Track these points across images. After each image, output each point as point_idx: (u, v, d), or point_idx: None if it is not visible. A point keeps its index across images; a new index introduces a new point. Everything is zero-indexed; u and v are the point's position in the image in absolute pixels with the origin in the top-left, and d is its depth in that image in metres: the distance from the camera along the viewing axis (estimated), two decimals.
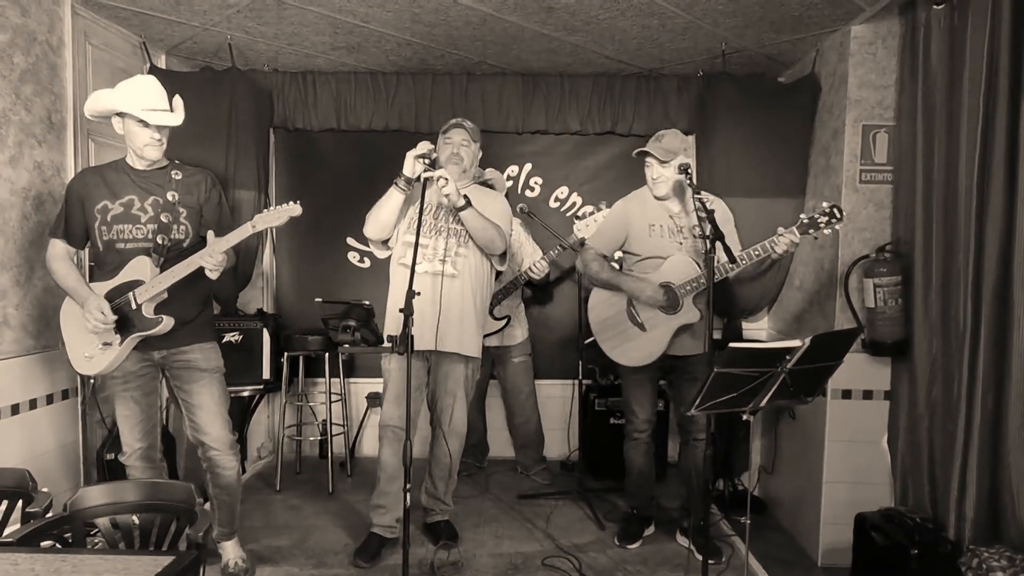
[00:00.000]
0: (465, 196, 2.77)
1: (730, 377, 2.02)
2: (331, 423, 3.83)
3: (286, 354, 3.78)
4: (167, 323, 2.50)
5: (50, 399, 2.99)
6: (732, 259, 2.54)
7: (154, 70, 3.64)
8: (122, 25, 3.40)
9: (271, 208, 2.50)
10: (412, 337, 2.20)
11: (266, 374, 3.78)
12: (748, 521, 2.36)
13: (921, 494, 2.93)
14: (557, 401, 4.25)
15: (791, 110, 3.62)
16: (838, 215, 2.61)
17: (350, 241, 4.32)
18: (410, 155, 2.72)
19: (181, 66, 3.91)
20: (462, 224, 2.84)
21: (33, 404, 2.90)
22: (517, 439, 4.06)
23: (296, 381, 4.08)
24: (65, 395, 3.06)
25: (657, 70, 3.97)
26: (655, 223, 2.95)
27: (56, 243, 2.58)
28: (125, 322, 2.50)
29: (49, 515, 1.98)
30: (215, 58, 3.87)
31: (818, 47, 3.50)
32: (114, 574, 1.50)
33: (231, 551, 2.79)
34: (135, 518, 1.99)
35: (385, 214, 2.84)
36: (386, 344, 2.20)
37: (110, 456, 3.25)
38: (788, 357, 2.05)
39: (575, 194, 4.30)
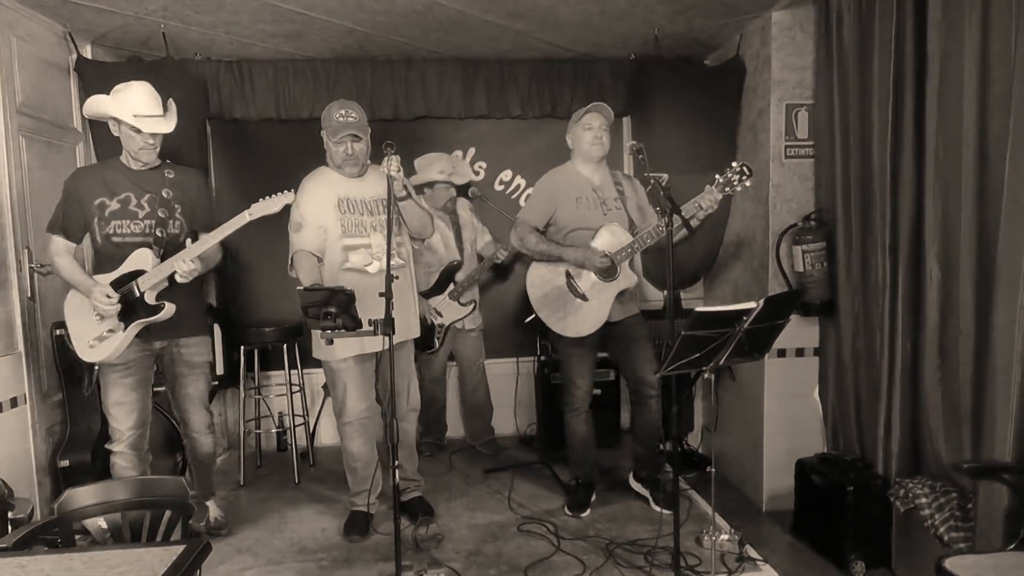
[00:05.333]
0: (406, 186, 2.82)
1: (695, 339, 2.20)
2: (293, 414, 3.83)
3: (242, 348, 3.74)
4: (169, 309, 2.67)
5: None
6: (690, 229, 2.67)
7: (81, 61, 3.48)
8: (47, 14, 3.24)
9: (265, 197, 2.67)
10: (394, 320, 2.27)
11: (220, 370, 3.73)
12: (712, 470, 2.58)
13: (850, 437, 3.24)
14: (510, 379, 4.37)
15: (719, 91, 3.85)
16: (747, 172, 2.79)
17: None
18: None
19: (106, 56, 3.75)
20: (400, 214, 2.87)
21: None
22: (467, 408, 4.18)
23: (250, 376, 4.03)
24: (14, 403, 2.93)
25: (592, 54, 4.12)
26: (580, 195, 3.11)
27: (57, 240, 2.70)
28: (130, 310, 2.65)
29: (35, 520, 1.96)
30: (144, 48, 3.74)
31: (741, 32, 3.74)
32: (128, 566, 1.52)
33: (211, 509, 3.10)
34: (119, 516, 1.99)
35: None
36: (367, 327, 2.26)
37: (64, 463, 3.16)
38: (745, 318, 2.25)
39: (519, 176, 4.41)
